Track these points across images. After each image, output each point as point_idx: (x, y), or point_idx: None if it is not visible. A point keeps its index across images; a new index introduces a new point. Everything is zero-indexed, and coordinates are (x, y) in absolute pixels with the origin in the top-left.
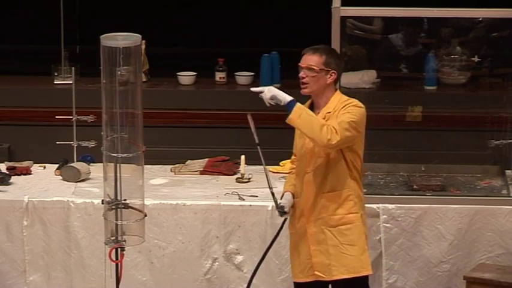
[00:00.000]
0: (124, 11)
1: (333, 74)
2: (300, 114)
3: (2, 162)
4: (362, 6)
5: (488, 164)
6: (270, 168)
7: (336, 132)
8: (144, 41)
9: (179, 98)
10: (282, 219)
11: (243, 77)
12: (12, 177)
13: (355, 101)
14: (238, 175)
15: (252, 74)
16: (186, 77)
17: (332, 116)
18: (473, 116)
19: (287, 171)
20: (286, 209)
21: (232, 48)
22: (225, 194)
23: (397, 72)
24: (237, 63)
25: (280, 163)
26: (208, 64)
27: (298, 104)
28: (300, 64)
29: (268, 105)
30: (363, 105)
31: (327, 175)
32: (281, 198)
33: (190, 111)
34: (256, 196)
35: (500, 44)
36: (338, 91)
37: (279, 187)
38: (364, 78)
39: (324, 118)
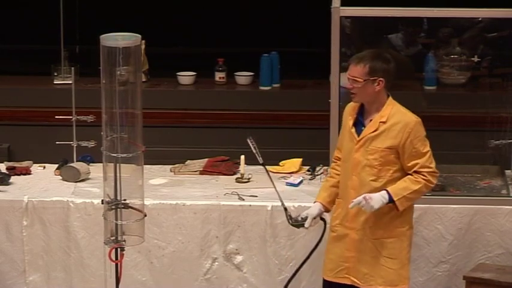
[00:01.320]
0: (124, 11)
1: (380, 82)
2: (404, 199)
3: (2, 162)
4: (362, 6)
5: (488, 164)
6: (270, 168)
7: (430, 172)
8: (143, 41)
9: (179, 98)
10: (283, 219)
11: (242, 77)
12: (12, 177)
13: (412, 117)
14: (238, 175)
15: (252, 74)
16: (186, 77)
17: (389, 132)
18: (473, 116)
19: (288, 171)
20: (306, 224)
21: (232, 48)
22: (224, 194)
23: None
24: (237, 63)
25: (280, 163)
26: (208, 64)
27: (392, 192)
28: (347, 75)
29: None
30: (417, 117)
31: (378, 187)
32: (314, 202)
33: (190, 111)
34: (256, 196)
35: (500, 44)
36: (391, 98)
37: (278, 187)
38: None
39: (376, 129)
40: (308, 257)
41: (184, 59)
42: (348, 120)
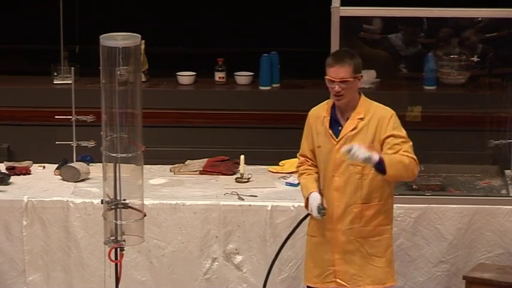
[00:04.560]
0: (124, 11)
1: (361, 78)
2: (394, 166)
3: (2, 162)
4: (362, 6)
5: (487, 163)
6: (270, 168)
7: (415, 160)
8: (143, 41)
9: (178, 97)
10: (283, 218)
11: (242, 77)
12: (12, 177)
13: (388, 110)
14: (238, 175)
15: (252, 74)
16: (186, 77)
17: (368, 127)
18: (472, 116)
19: (288, 171)
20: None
21: (232, 48)
22: (224, 194)
23: (396, 72)
24: (237, 63)
25: (280, 163)
26: (208, 64)
27: (382, 158)
28: (331, 78)
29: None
30: (391, 109)
31: (364, 185)
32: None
33: (190, 111)
34: (256, 196)
35: (499, 44)
36: (363, 95)
37: (278, 187)
38: (364, 78)
39: (355, 127)
40: (278, 252)
41: (184, 59)
42: (319, 124)
